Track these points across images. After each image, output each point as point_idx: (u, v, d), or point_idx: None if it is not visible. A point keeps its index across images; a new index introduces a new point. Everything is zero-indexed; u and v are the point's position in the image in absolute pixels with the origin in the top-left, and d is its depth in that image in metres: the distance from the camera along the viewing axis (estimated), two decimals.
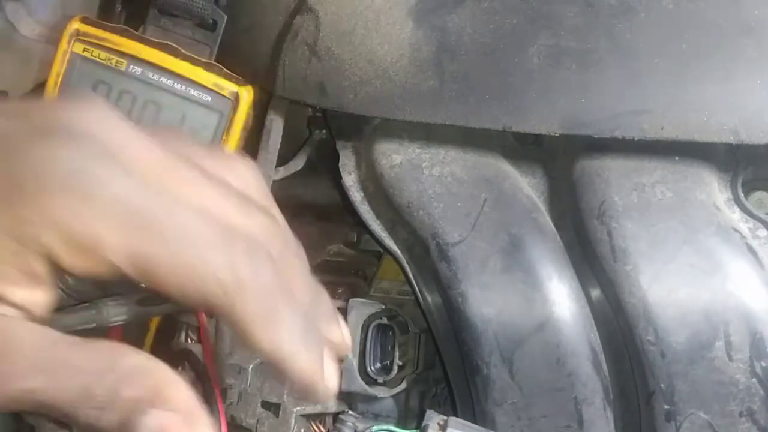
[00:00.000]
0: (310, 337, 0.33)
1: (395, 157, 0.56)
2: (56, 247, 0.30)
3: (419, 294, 0.57)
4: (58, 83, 0.57)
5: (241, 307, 0.31)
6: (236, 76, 0.58)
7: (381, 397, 0.65)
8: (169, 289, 0.30)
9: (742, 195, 0.54)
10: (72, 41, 0.57)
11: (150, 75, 0.57)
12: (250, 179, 0.36)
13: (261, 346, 0.32)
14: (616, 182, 0.52)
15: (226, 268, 0.31)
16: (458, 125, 0.52)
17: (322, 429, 0.68)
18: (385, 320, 0.61)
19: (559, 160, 0.56)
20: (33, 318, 0.32)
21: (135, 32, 0.58)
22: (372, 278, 0.67)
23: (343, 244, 0.69)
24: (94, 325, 0.43)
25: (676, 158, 0.52)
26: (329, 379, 0.34)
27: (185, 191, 0.32)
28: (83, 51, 0.57)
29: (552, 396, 0.52)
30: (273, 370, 0.33)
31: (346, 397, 0.67)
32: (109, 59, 0.57)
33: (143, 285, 0.31)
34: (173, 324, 0.67)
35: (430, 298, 0.56)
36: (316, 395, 0.34)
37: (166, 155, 0.32)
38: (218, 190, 0.33)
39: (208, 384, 0.60)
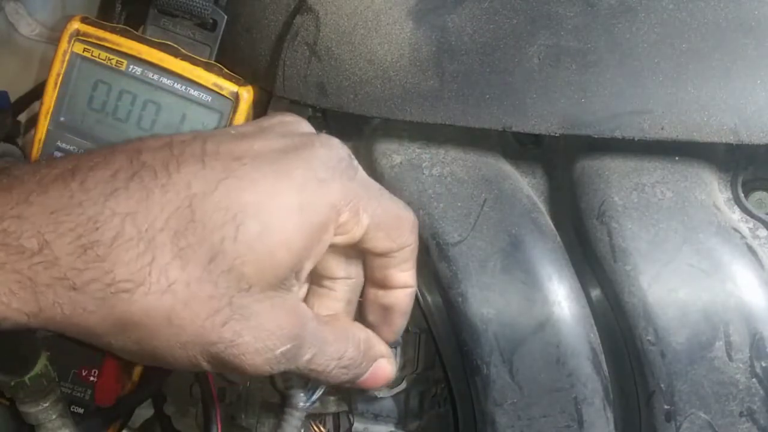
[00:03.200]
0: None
1: (395, 157, 0.56)
2: (344, 219, 0.41)
3: (419, 294, 0.57)
4: (58, 83, 0.57)
5: (412, 246, 0.46)
6: (236, 76, 0.58)
7: (381, 397, 0.65)
8: (379, 240, 0.44)
9: (742, 195, 0.54)
10: (72, 41, 0.57)
11: (150, 75, 0.57)
12: None
13: (401, 280, 0.47)
14: (616, 182, 0.52)
15: (412, 215, 0.46)
16: (458, 125, 0.52)
17: (322, 429, 0.68)
18: None
19: (559, 160, 0.56)
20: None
21: (135, 32, 0.58)
22: None
23: None
24: None
25: (676, 158, 0.52)
26: None
27: None
28: (83, 51, 0.57)
29: (552, 396, 0.52)
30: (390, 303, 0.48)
31: (345, 397, 0.67)
32: (109, 59, 0.57)
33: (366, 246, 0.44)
34: None
35: (430, 298, 0.56)
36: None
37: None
38: None
39: (206, 383, 0.60)
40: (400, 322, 0.48)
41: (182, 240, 0.37)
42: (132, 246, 0.36)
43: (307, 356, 0.42)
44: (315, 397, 0.57)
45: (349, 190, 0.41)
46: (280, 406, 0.58)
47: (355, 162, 0.43)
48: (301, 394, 0.56)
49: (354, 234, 0.41)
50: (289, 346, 0.40)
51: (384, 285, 0.46)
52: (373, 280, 0.46)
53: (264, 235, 0.38)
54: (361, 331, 0.47)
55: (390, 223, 0.44)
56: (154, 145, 0.39)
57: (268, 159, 0.39)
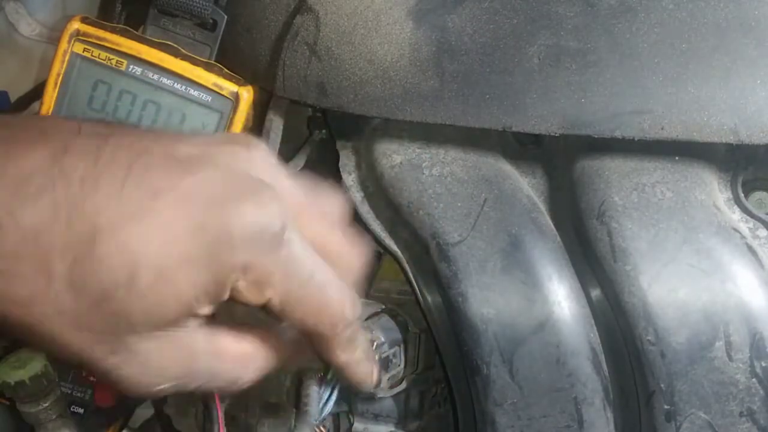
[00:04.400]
0: (370, 350, 0.47)
1: (395, 157, 0.56)
2: (241, 286, 0.39)
3: (419, 294, 0.57)
4: (58, 83, 0.57)
5: (338, 336, 0.43)
6: (236, 76, 0.58)
7: (381, 397, 0.65)
8: (294, 320, 0.42)
9: (742, 195, 0.54)
10: (72, 41, 0.57)
11: (150, 75, 0.57)
12: (345, 209, 0.46)
13: (339, 361, 0.45)
14: (616, 182, 0.52)
15: (343, 309, 0.42)
16: (458, 125, 0.52)
17: (322, 429, 0.68)
18: None
19: (559, 160, 0.56)
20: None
21: (135, 32, 0.58)
22: (372, 278, 0.67)
23: None
24: None
25: (676, 158, 0.52)
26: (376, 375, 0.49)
27: (322, 241, 0.43)
28: (83, 51, 0.57)
29: (552, 396, 0.52)
30: (342, 377, 0.47)
31: (345, 397, 0.67)
32: (109, 59, 0.57)
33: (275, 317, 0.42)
34: None
35: (430, 298, 0.56)
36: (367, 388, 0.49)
37: (310, 210, 0.43)
38: (338, 233, 0.44)
39: None
40: (362, 375, 0.47)
41: (78, 270, 0.37)
42: (31, 264, 0.37)
43: (195, 385, 0.42)
44: (325, 413, 0.57)
45: (257, 264, 0.39)
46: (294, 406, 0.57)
47: (291, 235, 0.40)
48: (313, 407, 0.56)
49: (252, 303, 0.40)
50: (173, 383, 0.41)
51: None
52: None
53: (156, 285, 0.37)
54: (265, 360, 0.44)
55: (307, 309, 0.41)
56: (83, 147, 0.38)
57: (188, 208, 0.38)
